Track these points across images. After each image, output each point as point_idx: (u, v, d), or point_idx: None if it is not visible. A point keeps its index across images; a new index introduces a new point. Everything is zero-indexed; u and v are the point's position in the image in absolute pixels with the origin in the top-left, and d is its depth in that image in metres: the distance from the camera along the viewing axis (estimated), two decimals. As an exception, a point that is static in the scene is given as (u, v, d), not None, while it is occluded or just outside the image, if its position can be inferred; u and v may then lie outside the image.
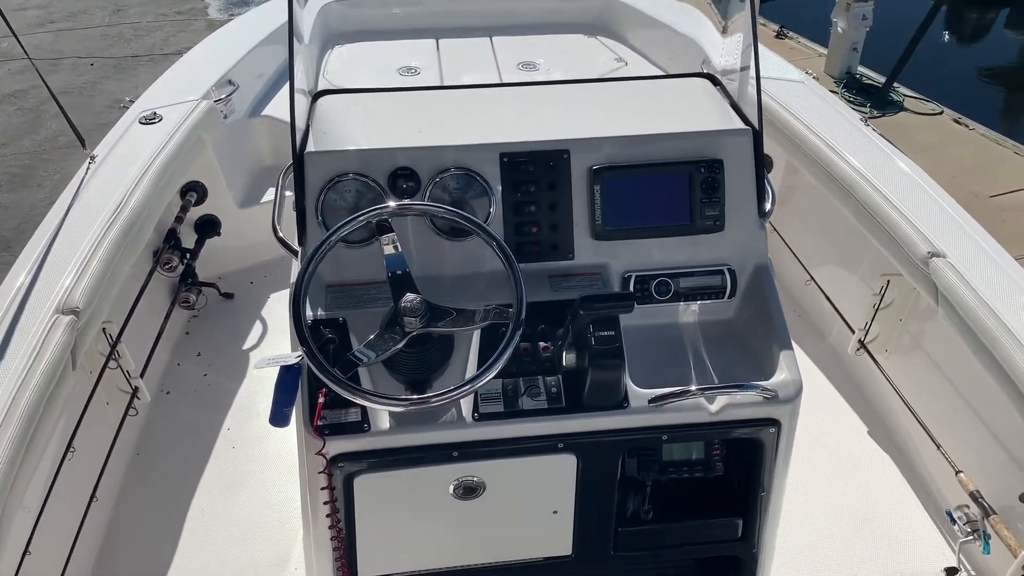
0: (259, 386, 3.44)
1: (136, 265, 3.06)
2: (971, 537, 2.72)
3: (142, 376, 3.20)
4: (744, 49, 2.44)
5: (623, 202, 2.21)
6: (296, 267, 2.14)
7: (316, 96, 2.43)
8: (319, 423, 1.96)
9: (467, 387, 1.80)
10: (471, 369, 2.04)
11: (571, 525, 2.21)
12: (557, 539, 2.25)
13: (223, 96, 3.76)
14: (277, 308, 3.86)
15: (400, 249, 1.93)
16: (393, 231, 1.94)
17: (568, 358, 1.98)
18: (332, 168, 2.15)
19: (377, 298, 2.11)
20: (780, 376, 2.09)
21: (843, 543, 2.92)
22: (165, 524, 2.96)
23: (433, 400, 1.79)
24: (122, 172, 3.14)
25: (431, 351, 1.97)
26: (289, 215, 2.24)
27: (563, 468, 2.09)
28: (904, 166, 3.26)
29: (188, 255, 3.66)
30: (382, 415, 2.00)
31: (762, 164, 2.25)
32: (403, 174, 2.17)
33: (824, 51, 8.01)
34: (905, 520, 3.02)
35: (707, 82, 2.53)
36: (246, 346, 3.66)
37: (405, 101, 2.43)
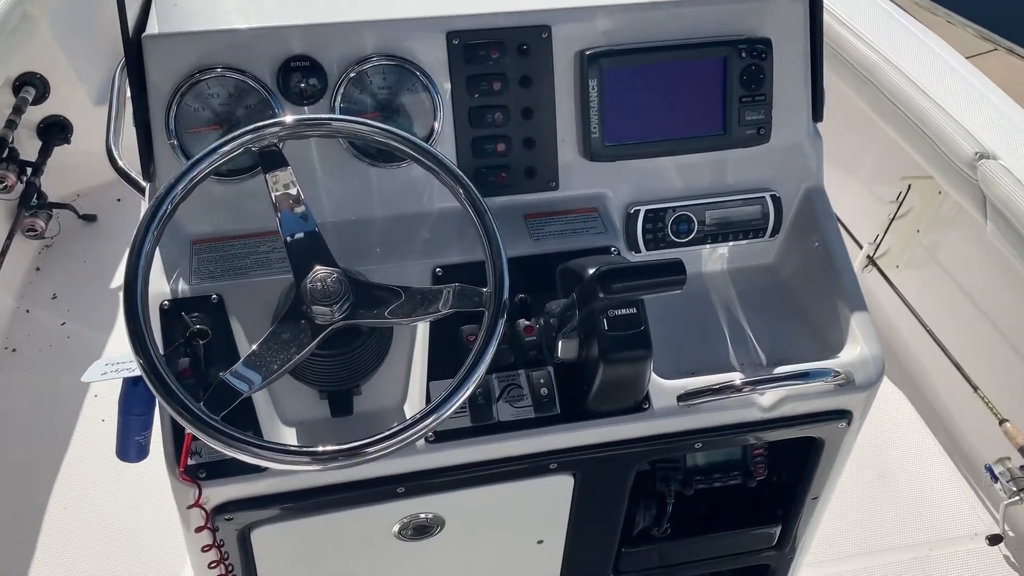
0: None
1: None
2: (1018, 498, 2.26)
3: None
4: None
5: (630, 104, 1.52)
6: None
7: None
8: (190, 462, 1.28)
9: (420, 427, 1.13)
10: (420, 370, 1.38)
11: (560, 553, 1.61)
12: (540, 569, 1.66)
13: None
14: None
15: (299, 191, 1.22)
16: (287, 163, 1.22)
17: (566, 347, 1.33)
18: (187, 60, 1.40)
19: (272, 259, 1.41)
20: (853, 350, 1.49)
21: (857, 503, 2.43)
22: (13, 525, 2.27)
23: (368, 452, 1.12)
24: None
25: (358, 352, 1.29)
26: (132, 131, 1.49)
27: (555, 492, 1.47)
28: (936, 47, 2.62)
29: (30, 169, 2.83)
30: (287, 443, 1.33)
31: (821, 44, 1.58)
32: (300, 66, 1.43)
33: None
34: (931, 475, 2.55)
35: None
36: (115, 283, 2.89)
37: None
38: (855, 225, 2.87)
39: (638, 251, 1.57)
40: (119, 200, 3.18)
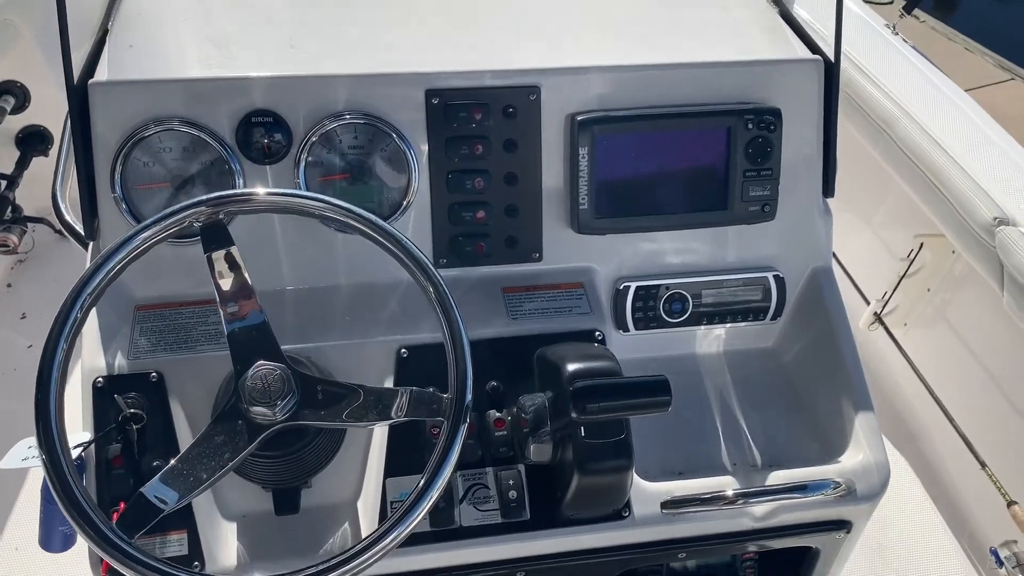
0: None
1: None
2: (1026, 587, 2.13)
3: None
4: None
5: (623, 174, 1.39)
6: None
7: None
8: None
9: (371, 554, 0.99)
10: (376, 463, 1.25)
11: None
12: None
13: (44, -41, 2.72)
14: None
15: (246, 274, 1.09)
16: (232, 241, 1.09)
17: (538, 450, 1.20)
18: (137, 110, 1.28)
19: (220, 331, 1.28)
20: (856, 455, 1.36)
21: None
22: None
23: None
24: None
25: (304, 453, 1.17)
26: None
27: None
28: (952, 95, 2.47)
29: (3, 183, 2.70)
30: (224, 544, 1.21)
31: (835, 114, 1.45)
32: (262, 122, 1.30)
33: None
34: (932, 551, 2.40)
35: None
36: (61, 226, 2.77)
37: None
38: (862, 279, 2.73)
39: (626, 330, 1.45)
40: (98, 214, 3.05)
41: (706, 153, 1.40)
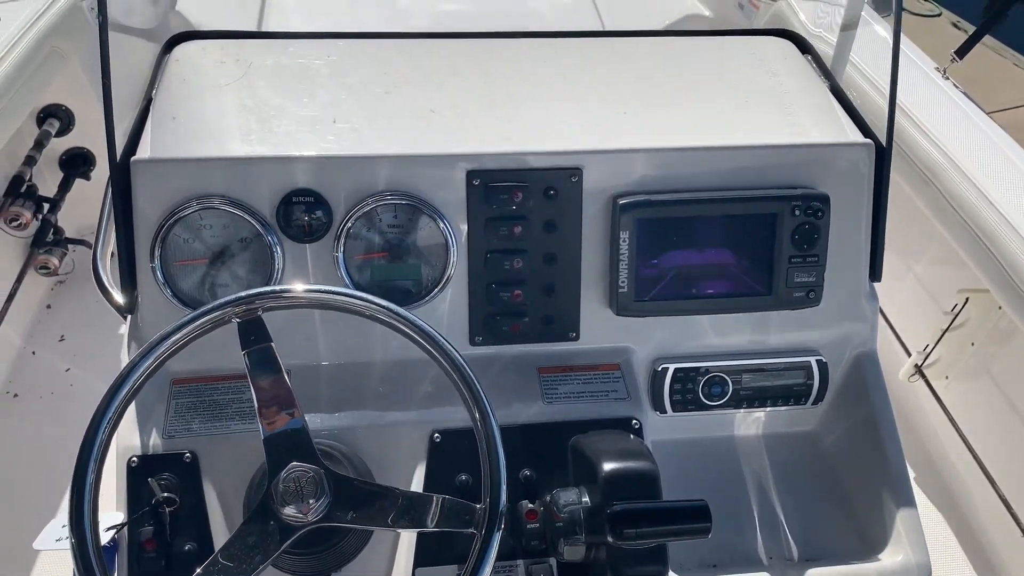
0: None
1: None
2: (1062, 657, 2.08)
3: None
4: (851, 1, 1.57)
5: (665, 259, 1.36)
6: (124, 356, 1.31)
7: (170, 43, 1.51)
8: None
9: None
10: (406, 552, 1.24)
11: None
12: None
13: (97, -11, 2.74)
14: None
15: (285, 375, 1.08)
16: (270, 338, 1.09)
17: (571, 551, 1.18)
18: (179, 188, 1.28)
19: (253, 410, 1.28)
20: (897, 555, 1.33)
21: None
22: None
23: None
24: None
25: (334, 548, 1.16)
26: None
27: None
28: (1003, 145, 2.41)
29: (47, 205, 2.73)
30: None
31: (885, 200, 1.42)
32: (303, 201, 1.30)
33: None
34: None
35: (788, 45, 1.64)
36: (125, 327, 2.79)
37: (314, 62, 1.51)
38: (904, 329, 2.67)
39: (663, 411, 1.42)
40: (138, 235, 3.08)
41: (751, 238, 1.37)
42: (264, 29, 2.95)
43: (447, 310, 1.36)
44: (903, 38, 2.80)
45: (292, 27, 2.99)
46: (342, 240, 1.31)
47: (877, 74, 2.19)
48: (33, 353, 2.74)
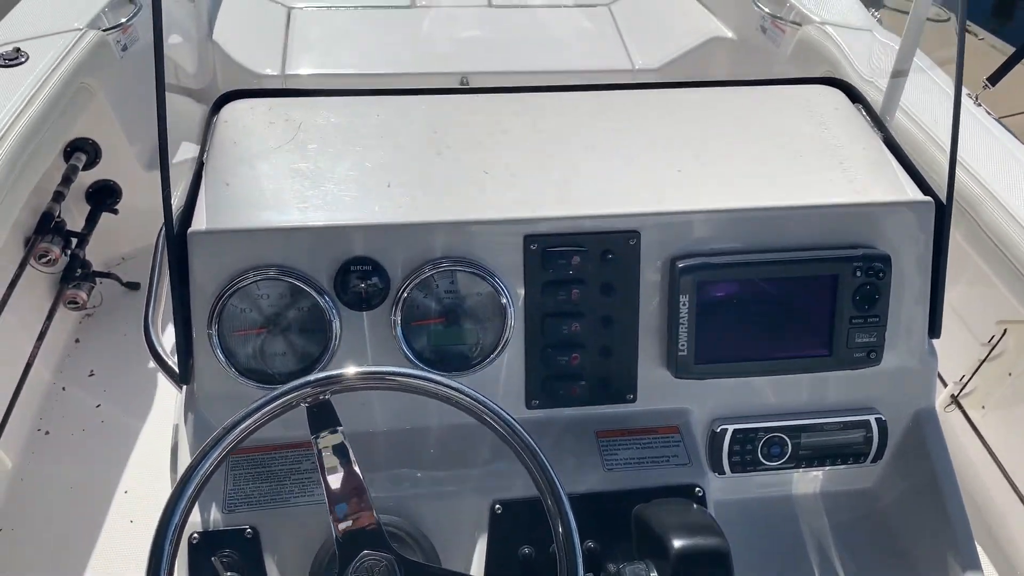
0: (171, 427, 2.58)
1: None
2: None
3: (9, 411, 2.34)
4: (903, 47, 1.55)
5: (724, 321, 1.35)
6: (183, 445, 1.30)
7: (220, 101, 1.50)
8: None
9: None
10: None
11: None
12: None
13: (121, 22, 2.73)
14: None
15: (355, 464, 1.06)
16: (338, 422, 1.07)
17: None
18: (237, 259, 1.26)
19: (314, 479, 1.27)
20: None
21: None
22: None
23: None
24: None
25: None
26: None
27: None
28: None
29: (75, 240, 2.72)
30: None
31: (945, 256, 1.40)
32: (361, 270, 1.28)
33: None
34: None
35: (837, 94, 1.62)
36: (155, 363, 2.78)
37: (362, 120, 1.49)
38: (940, 359, 2.65)
39: (722, 472, 1.41)
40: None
41: (811, 299, 1.35)
42: (288, 69, 2.94)
43: (503, 374, 1.35)
44: (924, 57, 2.78)
45: (318, 64, 2.98)
46: (399, 307, 1.30)
47: (919, 111, 2.15)
48: (63, 389, 2.73)
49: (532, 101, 1.55)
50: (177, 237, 1.25)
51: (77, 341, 2.86)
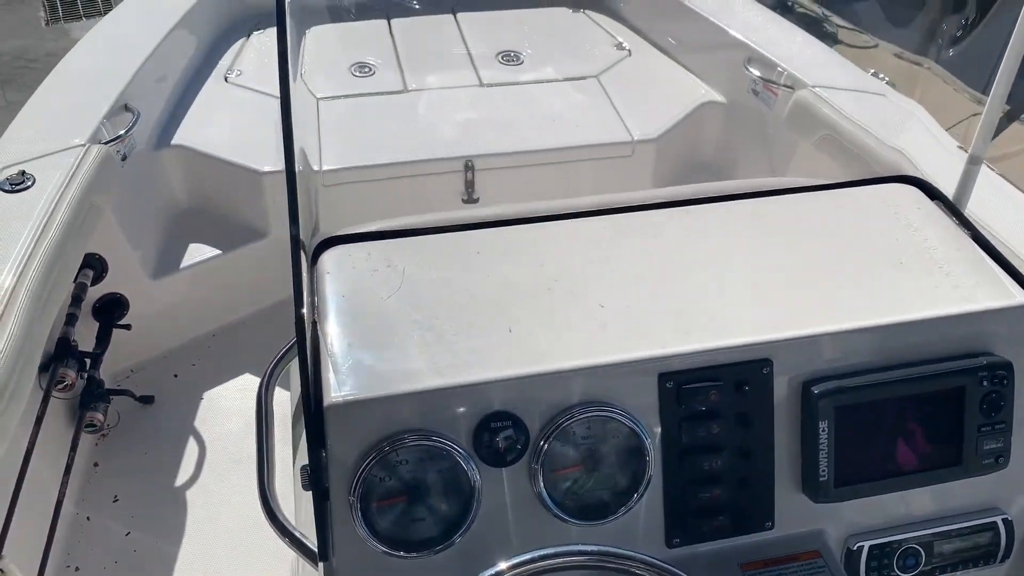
0: (212, 548, 2.48)
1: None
2: None
3: (47, 554, 2.21)
4: (980, 134, 1.58)
5: (861, 440, 1.34)
6: None
7: (319, 248, 1.45)
8: None
9: None
10: None
11: None
12: None
13: (120, 134, 2.65)
14: (218, 410, 2.86)
15: None
16: None
17: None
18: (375, 428, 1.21)
19: None
20: None
21: None
22: None
23: None
24: None
25: None
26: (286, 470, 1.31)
27: None
28: None
29: (88, 360, 2.61)
30: None
31: None
32: (500, 425, 1.24)
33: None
34: None
35: (914, 191, 1.64)
36: (181, 480, 2.68)
37: (463, 259, 1.46)
38: None
39: None
40: (176, 375, 2.97)
41: (940, 412, 1.36)
42: (324, 163, 2.88)
43: (643, 516, 1.32)
44: (925, 113, 2.84)
45: (352, 157, 2.92)
46: (540, 459, 1.26)
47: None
48: (88, 519, 2.61)
49: (620, 223, 1.54)
50: (317, 410, 1.19)
51: (96, 465, 2.74)
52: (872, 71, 3.13)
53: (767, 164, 3.20)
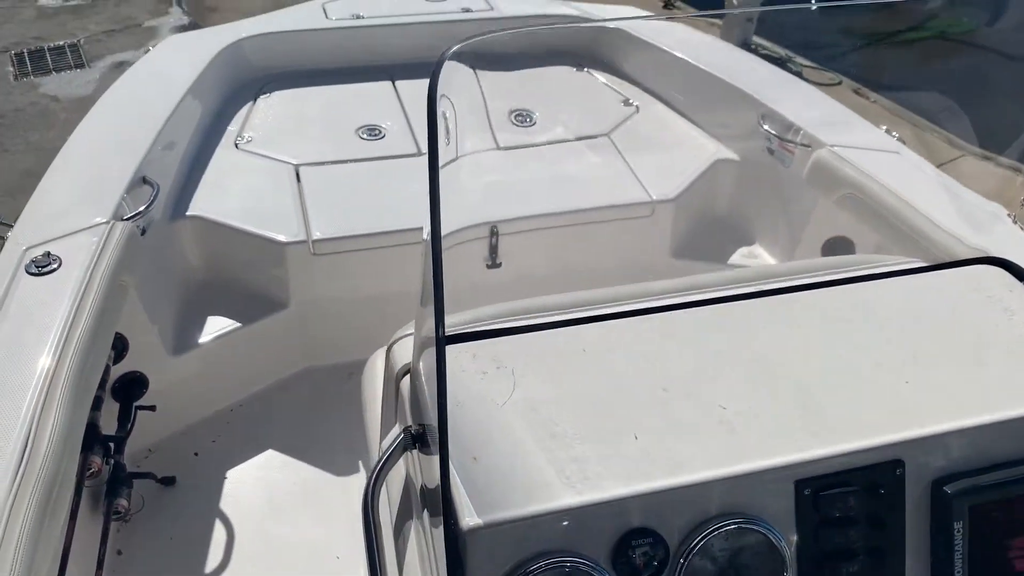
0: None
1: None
2: None
3: None
4: None
5: (994, 540, 1.32)
6: None
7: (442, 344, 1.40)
8: None
9: None
10: None
11: None
12: None
13: (141, 210, 2.57)
14: (241, 489, 2.76)
15: None
16: None
17: None
18: (517, 550, 1.16)
19: None
20: None
21: None
22: None
23: None
24: (19, 385, 1.97)
25: None
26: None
27: None
28: None
29: (112, 445, 2.50)
30: None
31: None
32: (641, 541, 1.20)
33: (718, 21, 7.31)
34: None
35: (1003, 274, 1.64)
36: (211, 566, 2.57)
37: (567, 359, 1.41)
38: None
39: None
40: (196, 454, 2.86)
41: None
42: (313, 233, 2.82)
43: None
44: (939, 172, 2.88)
45: (343, 228, 2.85)
46: (679, 575, 1.22)
47: None
48: (115, 612, 2.48)
49: (707, 316, 1.52)
50: (455, 536, 1.13)
51: (120, 553, 2.62)
52: (884, 128, 3.17)
53: (784, 221, 3.22)
